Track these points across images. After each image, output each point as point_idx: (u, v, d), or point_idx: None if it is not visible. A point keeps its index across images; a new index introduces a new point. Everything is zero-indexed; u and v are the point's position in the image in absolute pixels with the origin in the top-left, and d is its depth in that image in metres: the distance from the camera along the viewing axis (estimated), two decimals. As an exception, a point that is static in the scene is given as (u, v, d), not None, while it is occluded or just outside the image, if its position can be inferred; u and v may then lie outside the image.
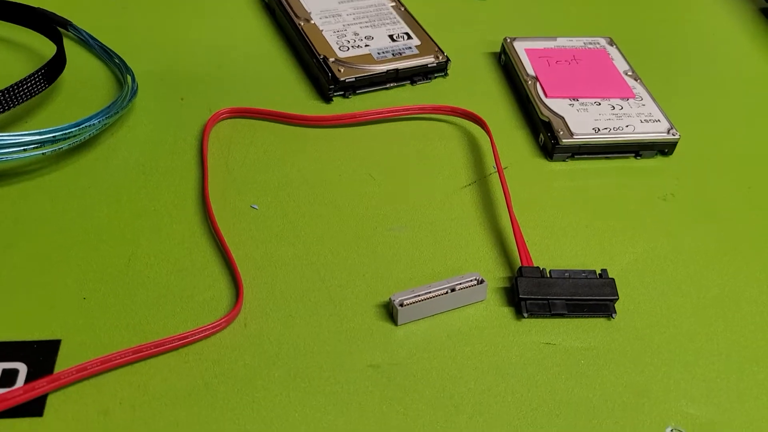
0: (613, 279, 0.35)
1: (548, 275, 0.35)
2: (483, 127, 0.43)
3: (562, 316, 0.34)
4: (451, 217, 0.39)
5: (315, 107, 0.45)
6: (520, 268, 0.35)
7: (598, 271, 0.35)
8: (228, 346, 0.32)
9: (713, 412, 0.31)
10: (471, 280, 0.34)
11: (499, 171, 0.39)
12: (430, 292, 0.33)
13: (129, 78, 0.43)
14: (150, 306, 0.33)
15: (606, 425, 0.30)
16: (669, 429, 0.30)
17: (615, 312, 0.34)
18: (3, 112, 0.38)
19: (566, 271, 0.35)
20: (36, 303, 0.32)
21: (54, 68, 0.41)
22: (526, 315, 0.34)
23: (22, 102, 0.39)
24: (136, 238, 0.36)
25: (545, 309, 0.34)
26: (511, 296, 0.35)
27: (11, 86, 0.38)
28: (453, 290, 0.34)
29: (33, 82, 0.39)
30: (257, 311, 0.33)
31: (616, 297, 0.34)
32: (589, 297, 0.34)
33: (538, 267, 0.35)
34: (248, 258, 0.35)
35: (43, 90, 0.40)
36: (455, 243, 0.37)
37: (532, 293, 0.34)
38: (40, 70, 0.40)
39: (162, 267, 0.34)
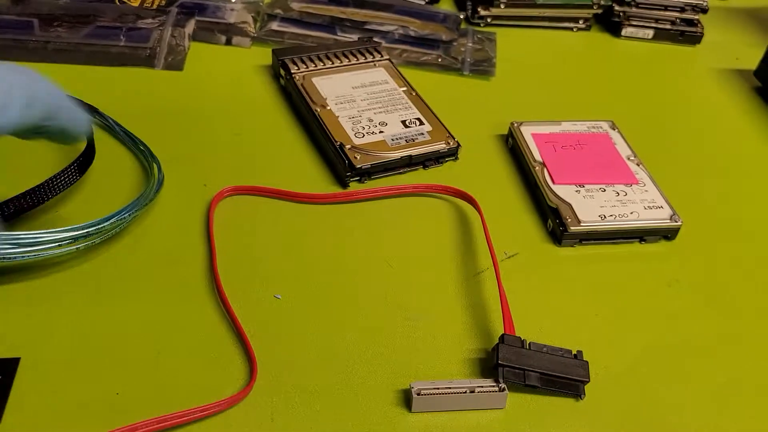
0: (587, 362, 0.37)
1: (527, 347, 0.36)
2: (474, 206, 0.46)
3: (534, 388, 0.36)
4: (466, 305, 0.40)
5: (332, 191, 0.47)
6: (503, 335, 0.37)
7: (574, 351, 0.37)
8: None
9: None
10: (492, 386, 0.35)
11: (490, 247, 0.41)
12: (450, 388, 0.35)
13: (155, 167, 0.45)
14: (180, 401, 0.34)
15: None
16: None
17: (584, 393, 0.36)
18: (39, 204, 0.40)
19: (545, 346, 0.37)
20: (71, 401, 0.34)
21: (86, 159, 0.43)
22: (501, 381, 0.35)
23: (57, 194, 0.41)
24: (162, 330, 0.37)
25: (520, 378, 0.35)
26: (491, 362, 0.36)
27: (48, 180, 0.40)
28: (472, 391, 0.35)
29: (68, 174, 0.41)
30: (281, 402, 0.34)
31: (587, 380, 0.36)
32: (563, 374, 0.36)
33: (519, 337, 0.37)
34: (266, 347, 0.37)
35: (75, 181, 0.42)
36: (471, 330, 0.39)
37: (511, 361, 0.35)
38: (74, 162, 0.41)
39: (188, 361, 0.36)
